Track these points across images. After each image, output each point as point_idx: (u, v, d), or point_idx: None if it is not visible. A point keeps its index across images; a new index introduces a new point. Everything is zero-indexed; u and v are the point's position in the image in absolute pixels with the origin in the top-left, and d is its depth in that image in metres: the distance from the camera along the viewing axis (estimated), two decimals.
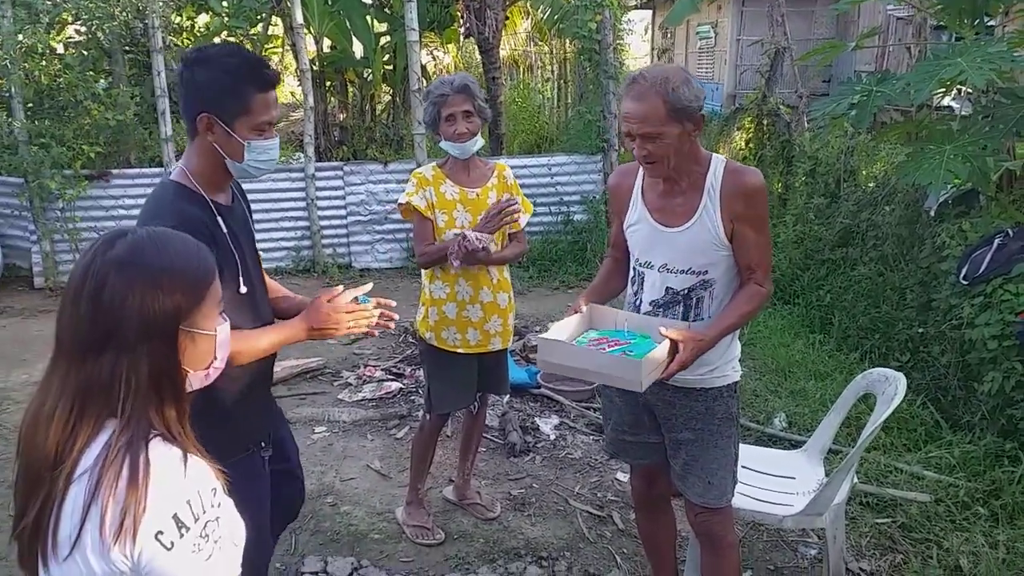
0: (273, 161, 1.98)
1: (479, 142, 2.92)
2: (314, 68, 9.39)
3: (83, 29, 6.95)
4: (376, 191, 7.44)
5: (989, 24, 4.89)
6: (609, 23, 7.21)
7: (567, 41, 11.28)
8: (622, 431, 2.38)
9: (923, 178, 4.13)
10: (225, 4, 7.91)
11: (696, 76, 2.22)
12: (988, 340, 3.76)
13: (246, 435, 2.07)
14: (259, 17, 8.50)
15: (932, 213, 4.94)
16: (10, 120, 6.35)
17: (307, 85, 7.24)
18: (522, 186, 3.22)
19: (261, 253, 2.21)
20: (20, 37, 6.21)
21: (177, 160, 6.46)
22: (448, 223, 2.91)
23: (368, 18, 10.29)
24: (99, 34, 6.83)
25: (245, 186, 2.22)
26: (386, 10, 10.66)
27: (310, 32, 9.99)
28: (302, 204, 7.36)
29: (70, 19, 6.90)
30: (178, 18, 8.01)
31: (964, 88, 5.54)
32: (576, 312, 2.20)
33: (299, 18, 7.25)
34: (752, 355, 4.92)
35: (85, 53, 6.93)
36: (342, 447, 3.95)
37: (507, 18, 10.28)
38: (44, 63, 6.39)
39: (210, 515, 1.14)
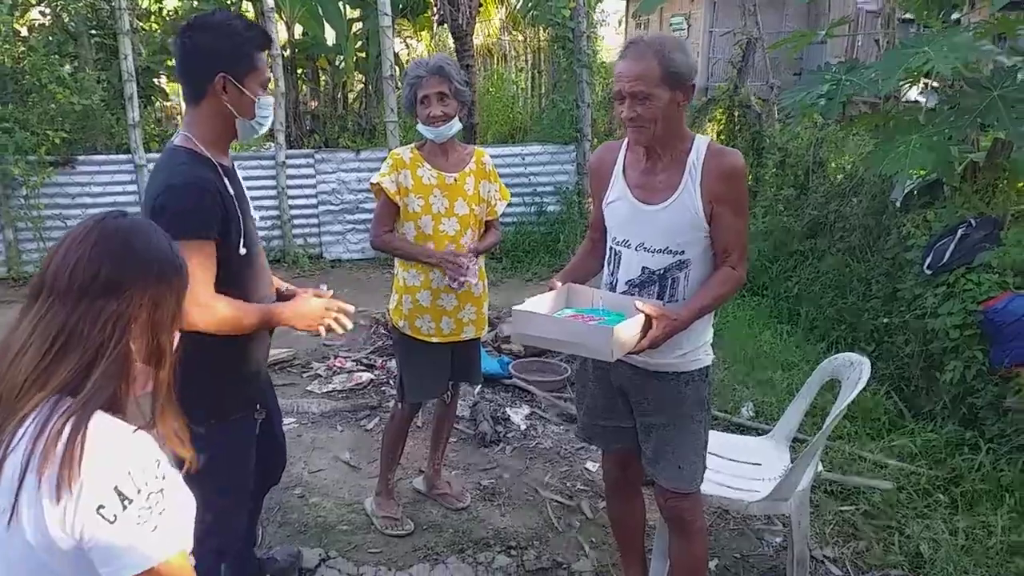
0: (271, 118, 2.15)
1: (456, 125, 2.86)
2: (285, 55, 9.28)
3: (48, 11, 6.81)
4: (348, 180, 7.38)
5: (955, 16, 4.95)
6: (583, 11, 7.21)
7: (541, 30, 11.25)
8: (595, 416, 2.39)
9: (890, 167, 4.18)
10: None
11: None
12: (950, 329, 3.83)
13: (247, 396, 2.20)
14: (229, 2, 8.37)
15: (898, 204, 5.01)
16: None
17: (278, 71, 7.15)
18: None
19: None
20: None
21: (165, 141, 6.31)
22: (424, 208, 2.87)
23: (340, 4, 10.18)
24: (64, 16, 6.70)
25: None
26: None
27: (281, 18, 9.86)
28: (272, 193, 7.27)
29: (34, 1, 6.75)
30: (145, 1, 7.87)
31: (930, 82, 5.61)
32: (551, 289, 2.20)
33: (270, 2, 7.15)
34: (720, 345, 4.94)
35: (51, 37, 6.78)
36: (311, 438, 3.93)
37: (481, 6, 10.22)
38: (7, 46, 6.24)
39: (153, 487, 1.12)
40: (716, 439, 2.88)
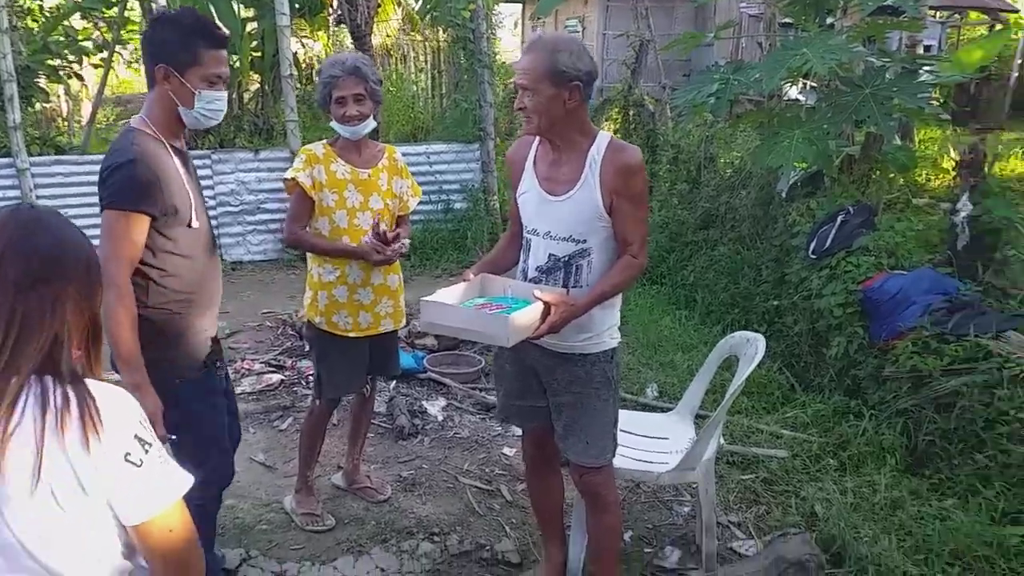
0: (221, 112, 2.26)
1: (371, 124, 2.90)
2: None
3: None
4: (247, 180, 7.22)
5: (829, 21, 5.34)
6: (482, 12, 7.31)
7: (440, 31, 11.30)
8: (512, 397, 2.50)
9: (774, 161, 4.49)
10: None
11: None
12: (834, 308, 4.15)
13: (200, 354, 2.33)
14: (114, 1, 8.04)
15: (783, 195, 5.36)
16: None
17: None
18: None
19: None
20: None
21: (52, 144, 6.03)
22: (339, 203, 2.88)
23: (234, 3, 9.92)
24: None
25: None
26: None
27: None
28: None
29: None
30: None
31: (808, 82, 6.02)
32: (464, 281, 2.29)
33: (162, 1, 6.92)
34: (625, 332, 5.11)
35: None
36: None
37: (379, 6, 10.19)
38: None
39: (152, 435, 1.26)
40: (626, 417, 3.02)
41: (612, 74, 14.28)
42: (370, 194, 2.93)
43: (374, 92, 2.87)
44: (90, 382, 1.23)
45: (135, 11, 9.78)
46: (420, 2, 9.15)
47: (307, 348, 4.98)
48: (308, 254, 3.04)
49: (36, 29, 7.49)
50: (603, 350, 2.34)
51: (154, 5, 8.07)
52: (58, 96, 10.83)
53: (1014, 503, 3.03)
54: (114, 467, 1.19)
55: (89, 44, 8.00)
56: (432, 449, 3.80)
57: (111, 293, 1.99)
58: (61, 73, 7.70)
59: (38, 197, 6.54)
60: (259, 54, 10.41)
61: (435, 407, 4.15)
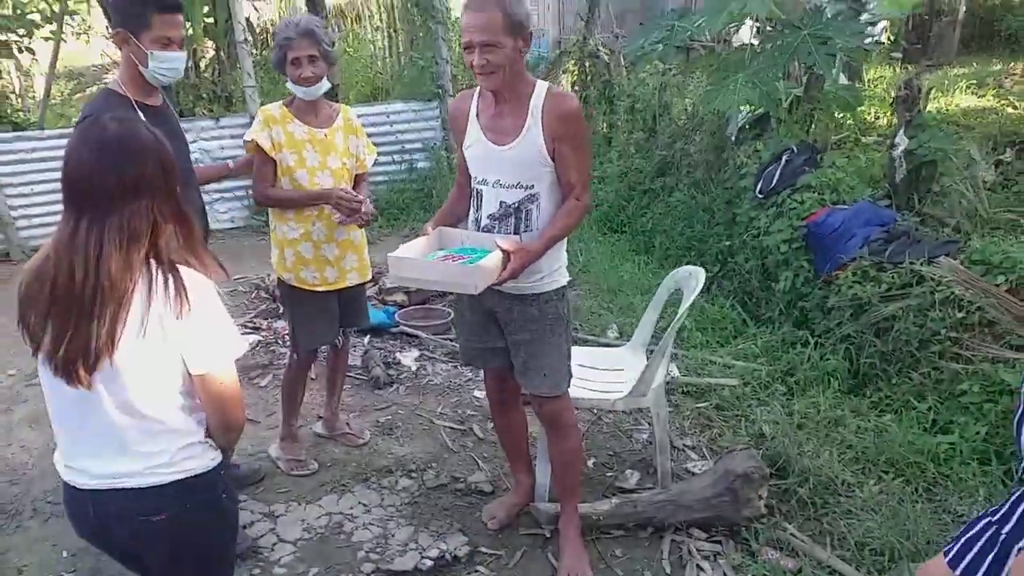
0: (177, 71, 2.51)
1: (325, 85, 3.01)
2: None
3: None
4: (209, 148, 7.25)
5: None
6: None
7: None
8: (473, 341, 2.69)
9: (721, 104, 4.67)
10: None
11: None
12: (780, 245, 4.37)
13: None
14: None
15: (733, 138, 5.55)
16: None
17: None
18: None
19: None
20: None
21: None
22: (299, 162, 3.00)
23: None
24: None
25: None
26: None
27: None
28: None
29: None
30: None
31: (757, 24, 6.16)
32: (424, 235, 2.45)
33: None
34: (587, 280, 5.38)
35: None
36: None
37: None
38: None
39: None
40: (583, 353, 3.26)
41: (569, 25, 14.28)
42: (328, 153, 3.05)
43: (327, 54, 2.98)
44: (181, 268, 1.59)
45: None
46: None
47: (280, 308, 5.15)
48: (272, 213, 3.16)
49: None
50: (554, 288, 2.52)
51: None
52: (9, 72, 10.64)
53: (945, 415, 3.30)
54: (197, 328, 1.57)
55: (37, 17, 7.87)
56: (407, 396, 4.01)
57: None
58: (12, 48, 7.59)
59: (1, 175, 6.54)
60: (212, 20, 10.29)
61: (408, 358, 4.34)
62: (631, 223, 6.30)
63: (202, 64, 11.24)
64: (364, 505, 3.10)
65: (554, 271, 2.51)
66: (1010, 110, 7.29)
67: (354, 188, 3.15)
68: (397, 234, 7.11)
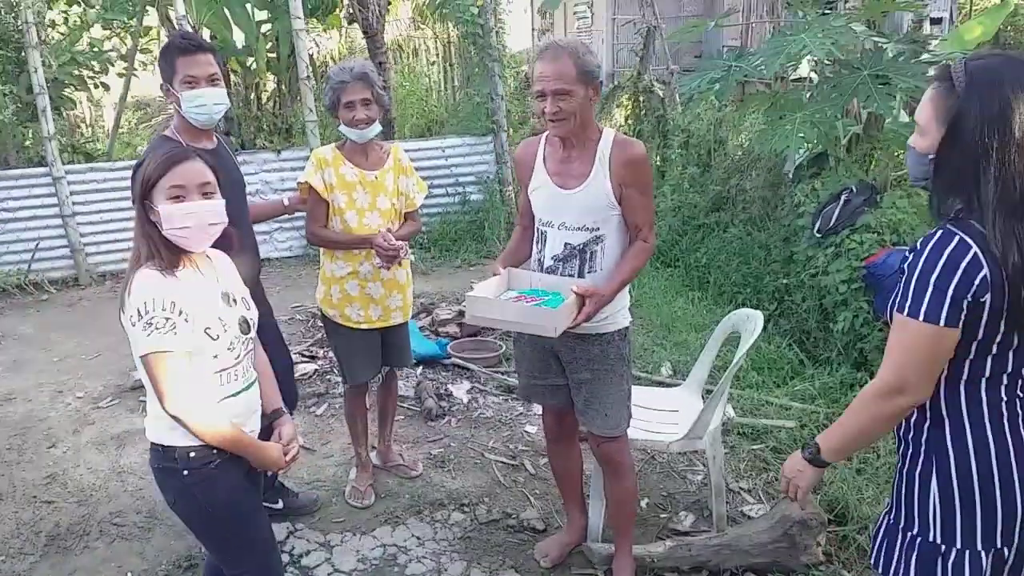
0: (205, 107, 2.65)
1: (377, 128, 3.10)
2: None
3: None
4: (271, 180, 7.48)
5: (831, 2, 5.46)
6: (491, 7, 7.48)
7: (450, 24, 11.46)
8: (533, 377, 2.71)
9: (779, 144, 4.64)
10: None
11: None
12: (839, 285, 4.31)
13: None
14: (134, 9, 8.29)
15: (790, 176, 5.51)
16: None
17: None
18: (418, 169, 3.44)
19: None
20: None
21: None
22: (348, 204, 3.09)
23: (248, 6, 10.15)
24: None
25: None
26: None
27: (188, 23, 9.78)
28: None
29: None
30: (52, 13, 7.75)
31: (815, 59, 6.13)
32: (495, 275, 2.49)
33: (182, 9, 7.16)
34: (639, 314, 5.36)
35: None
36: None
37: (389, 3, 10.37)
38: None
39: (159, 315, 1.82)
40: (639, 393, 3.22)
41: (622, 59, 14.38)
42: (377, 194, 3.13)
43: (380, 97, 3.07)
44: (143, 270, 1.88)
45: (151, 15, 10.06)
46: None
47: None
48: (322, 250, 3.25)
49: (62, 40, 7.75)
50: (617, 329, 2.55)
51: (171, 12, 8.31)
52: (79, 104, 11.13)
53: None
54: (125, 320, 1.89)
55: (113, 54, 8.26)
56: (459, 429, 4.04)
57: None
58: (89, 83, 7.97)
59: (74, 203, 6.84)
60: (274, 55, 10.65)
61: (460, 390, 4.38)
62: (684, 258, 6.28)
63: (263, 97, 11.64)
64: (417, 538, 3.13)
65: (617, 312, 2.53)
66: None
67: (404, 223, 3.24)
68: (449, 264, 7.21)
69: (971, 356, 1.55)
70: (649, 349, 4.81)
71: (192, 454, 1.93)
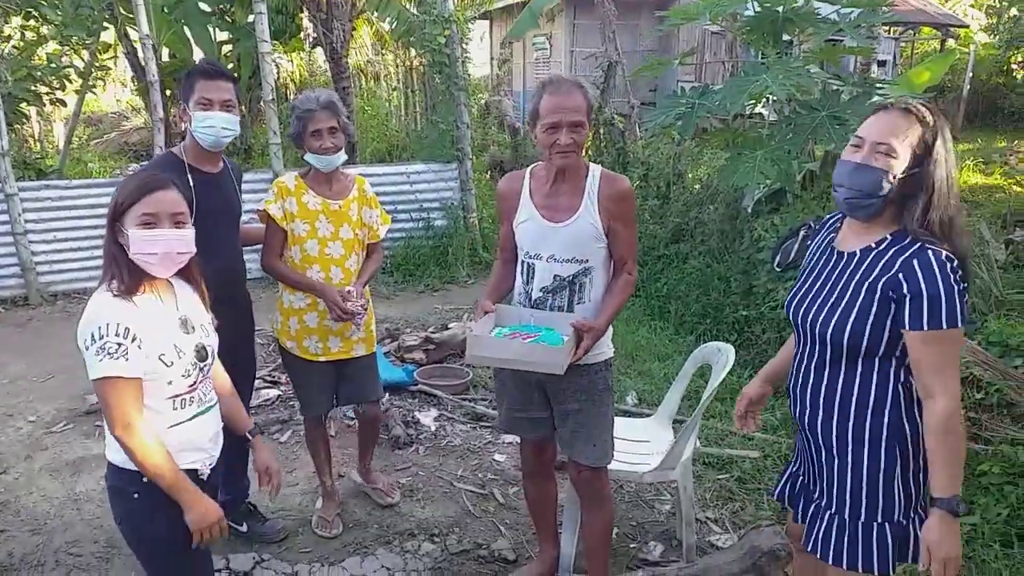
0: (213, 128, 2.73)
1: (343, 156, 3.09)
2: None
3: None
4: None
5: (787, 38, 5.67)
6: (457, 37, 7.57)
7: (412, 51, 11.55)
8: (515, 410, 2.71)
9: (739, 180, 4.79)
10: (60, 13, 7.55)
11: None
12: None
13: None
14: (93, 26, 8.16)
15: (749, 210, 5.67)
16: None
17: (156, 96, 7.10)
18: (382, 194, 3.42)
19: None
20: None
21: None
22: (310, 233, 3.05)
23: (209, 27, 10.10)
24: None
25: None
26: (227, 18, 10.48)
27: (149, 41, 9.67)
28: None
29: None
30: (7, 29, 7.58)
31: (771, 96, 6.35)
32: (486, 312, 2.50)
33: (145, 28, 7.07)
34: None
35: None
36: None
37: (354, 28, 10.41)
38: None
39: (111, 340, 1.83)
40: None
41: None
42: (341, 224, 3.10)
43: (346, 126, 3.08)
44: (100, 293, 1.91)
45: (109, 29, 9.92)
46: (395, 24, 9.34)
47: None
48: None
49: (17, 54, 7.59)
50: (603, 360, 2.59)
51: (132, 31, 8.22)
52: (29, 118, 10.89)
53: (965, 495, 3.24)
54: (79, 344, 1.90)
55: (70, 69, 8.11)
56: (427, 457, 4.02)
57: None
58: (45, 99, 7.80)
59: (26, 221, 6.65)
60: (235, 76, 10.59)
61: (428, 417, 4.37)
62: (645, 287, 6.38)
63: None
64: (388, 569, 3.10)
65: (603, 342, 2.57)
66: (1017, 188, 7.47)
67: (367, 259, 3.23)
68: (412, 289, 7.20)
69: None
70: (614, 378, 4.85)
71: (144, 479, 1.92)
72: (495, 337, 2.43)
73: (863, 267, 1.88)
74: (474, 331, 2.42)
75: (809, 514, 2.09)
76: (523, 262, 2.58)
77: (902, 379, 1.88)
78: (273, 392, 4.74)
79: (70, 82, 8.11)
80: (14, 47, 7.65)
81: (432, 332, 5.38)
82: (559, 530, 3.07)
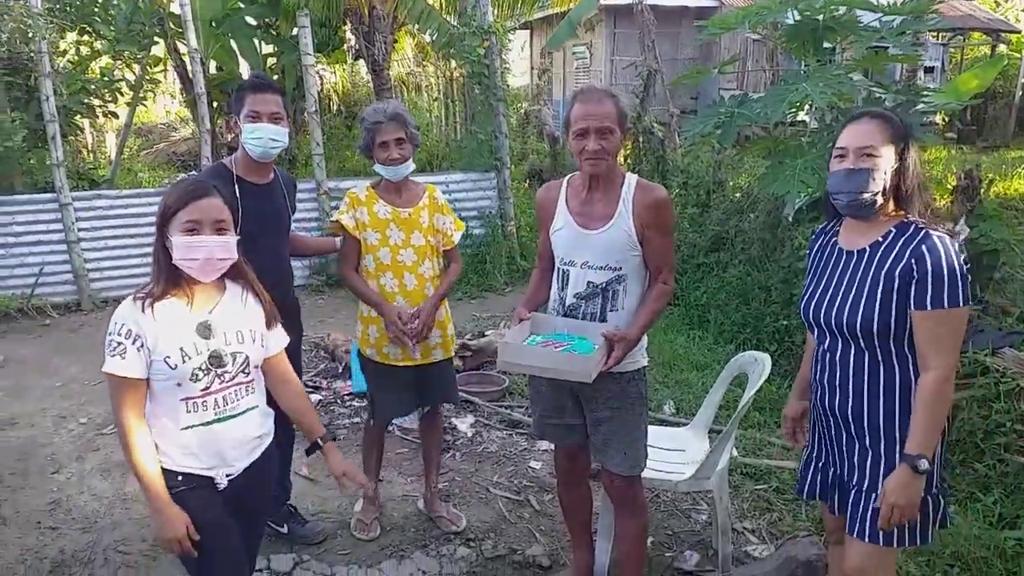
0: (261, 139, 2.84)
1: (411, 166, 3.16)
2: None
3: None
4: None
5: (830, 48, 5.60)
6: (496, 48, 7.64)
7: (452, 62, 11.68)
8: (548, 416, 2.73)
9: (780, 189, 4.74)
10: (113, 28, 7.82)
11: None
12: None
13: None
14: (144, 41, 8.43)
15: (790, 218, 5.61)
16: None
17: (203, 108, 7.32)
18: None
19: None
20: None
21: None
22: (382, 241, 3.13)
23: (255, 40, 10.34)
24: None
25: None
26: (272, 31, 10.72)
27: (198, 54, 9.94)
28: None
29: None
30: (63, 43, 7.87)
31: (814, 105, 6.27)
32: (521, 320, 2.54)
33: (194, 41, 7.29)
34: None
35: None
36: None
37: (395, 41, 10.57)
38: None
39: (115, 339, 1.95)
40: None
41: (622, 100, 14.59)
42: (412, 231, 3.17)
43: (413, 136, 3.16)
44: (128, 299, 2.03)
45: (159, 44, 10.22)
46: (435, 36, 9.47)
47: (339, 368, 5.28)
48: None
49: (72, 68, 7.86)
50: (636, 368, 2.60)
51: (181, 45, 8.45)
52: (82, 130, 11.25)
53: (1011, 509, 3.25)
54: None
55: (123, 83, 8.39)
56: (464, 463, 4.06)
57: None
58: (99, 112, 8.08)
59: (79, 230, 6.88)
60: (283, 89, 10.82)
61: (464, 424, 4.41)
62: (684, 296, 6.35)
63: None
64: (424, 572, 3.14)
65: (637, 352, 2.57)
66: None
67: (445, 268, 3.29)
68: (451, 297, 7.21)
69: None
70: (652, 387, 4.85)
71: (178, 474, 2.06)
72: (526, 345, 2.46)
73: (875, 260, 2.04)
74: (506, 338, 2.45)
75: (850, 502, 2.14)
76: (559, 268, 2.61)
77: None
78: (314, 397, 4.82)
79: (122, 95, 8.38)
80: (69, 61, 7.93)
81: (469, 339, 5.42)
82: (594, 538, 3.08)
